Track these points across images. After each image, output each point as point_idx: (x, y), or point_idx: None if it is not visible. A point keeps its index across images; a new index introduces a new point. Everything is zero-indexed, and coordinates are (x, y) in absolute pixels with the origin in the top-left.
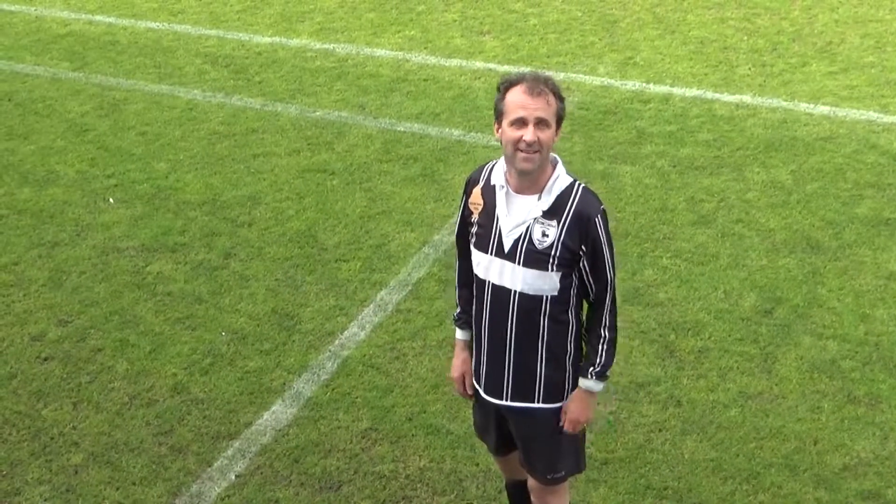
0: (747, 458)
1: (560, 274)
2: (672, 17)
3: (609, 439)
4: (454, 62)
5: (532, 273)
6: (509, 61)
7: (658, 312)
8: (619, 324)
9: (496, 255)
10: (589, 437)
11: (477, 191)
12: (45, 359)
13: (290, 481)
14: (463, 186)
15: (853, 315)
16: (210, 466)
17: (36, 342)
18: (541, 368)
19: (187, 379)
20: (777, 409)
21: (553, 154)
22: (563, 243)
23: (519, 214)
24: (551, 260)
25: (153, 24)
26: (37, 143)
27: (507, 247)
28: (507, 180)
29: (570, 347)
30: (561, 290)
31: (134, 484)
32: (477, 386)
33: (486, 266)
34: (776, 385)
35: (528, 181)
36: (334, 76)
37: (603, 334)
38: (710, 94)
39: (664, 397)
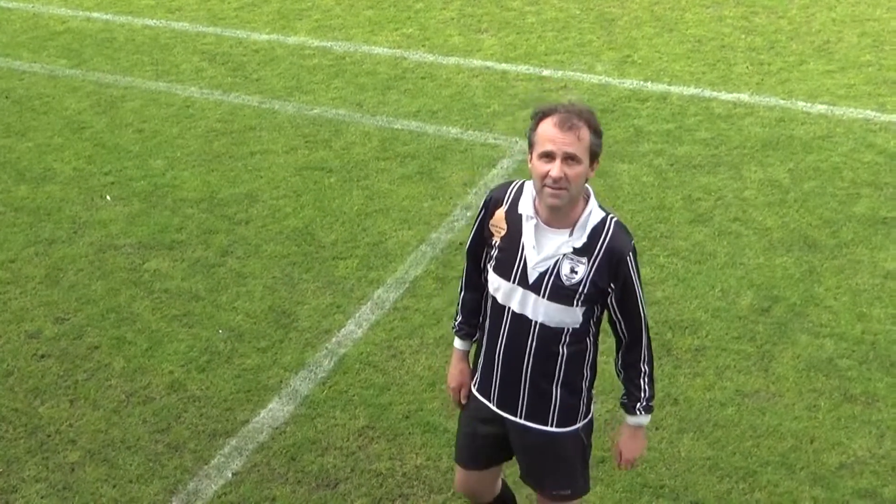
0: (744, 457)
1: (584, 308)
2: (670, 16)
3: (606, 437)
4: (452, 60)
5: (556, 307)
6: (507, 59)
7: (655, 311)
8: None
9: (519, 285)
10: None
11: (500, 213)
12: (42, 356)
13: (287, 479)
14: (483, 201)
15: (850, 314)
16: (207, 464)
17: (32, 339)
18: (556, 393)
19: (184, 376)
20: (774, 408)
21: (587, 185)
22: (591, 281)
23: (548, 249)
24: (577, 296)
25: (151, 22)
26: (34, 141)
27: (531, 279)
28: (536, 211)
29: (587, 372)
30: (583, 322)
31: (131, 481)
32: (482, 397)
33: (507, 293)
34: (773, 383)
35: (560, 215)
36: (332, 74)
37: (643, 369)
38: (707, 93)
39: (661, 395)
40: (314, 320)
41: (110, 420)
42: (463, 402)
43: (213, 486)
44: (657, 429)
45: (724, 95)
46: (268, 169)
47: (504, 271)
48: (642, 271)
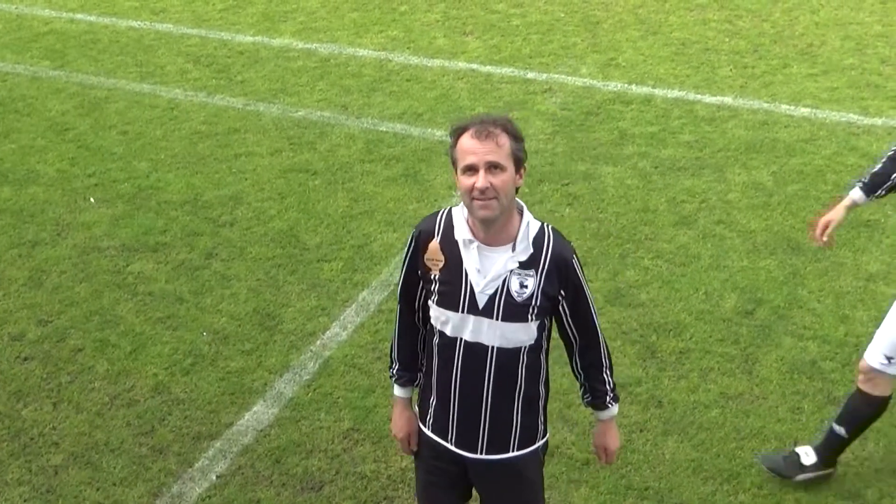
0: (728, 459)
1: (538, 322)
2: (654, 19)
3: (590, 440)
4: (437, 62)
5: (512, 326)
6: (492, 62)
7: (639, 313)
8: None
9: (469, 313)
10: (571, 439)
11: (435, 245)
12: (25, 359)
13: (272, 482)
14: (410, 238)
15: (833, 316)
16: (191, 467)
17: (16, 342)
18: (517, 418)
19: (168, 379)
20: (757, 410)
21: (518, 200)
22: (542, 292)
23: (494, 269)
24: (531, 310)
25: (135, 23)
26: (17, 142)
27: (481, 304)
28: (473, 233)
29: (542, 390)
30: (537, 338)
31: (114, 484)
32: (439, 438)
33: (458, 325)
34: (757, 386)
35: (497, 231)
36: (317, 76)
37: (605, 363)
38: (691, 96)
39: (645, 398)
40: (299, 323)
41: (94, 423)
42: (413, 448)
43: (197, 488)
44: (641, 431)
45: (707, 98)
46: (252, 171)
47: (450, 303)
48: (627, 274)
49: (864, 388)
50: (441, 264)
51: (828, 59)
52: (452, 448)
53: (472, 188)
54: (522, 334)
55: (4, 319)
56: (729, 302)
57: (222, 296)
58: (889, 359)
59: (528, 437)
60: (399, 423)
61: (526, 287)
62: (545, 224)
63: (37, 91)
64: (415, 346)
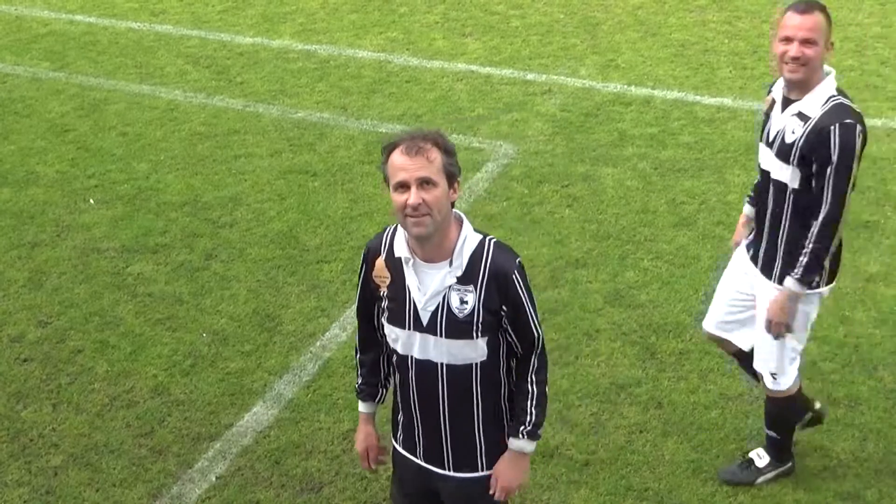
0: (728, 460)
1: (486, 339)
2: (653, 20)
3: (590, 441)
4: (436, 64)
5: (457, 344)
6: (491, 63)
7: (639, 314)
8: (549, 378)
9: (415, 330)
10: (571, 440)
11: (381, 263)
12: (25, 360)
13: (271, 483)
14: (362, 256)
15: (833, 317)
16: (190, 468)
17: (15, 343)
18: (480, 435)
19: (168, 380)
20: (757, 411)
21: (456, 211)
22: (483, 307)
23: (433, 286)
24: (475, 327)
25: (134, 25)
26: (17, 144)
27: (424, 321)
28: (411, 250)
29: (506, 405)
30: (490, 355)
31: (114, 485)
32: (408, 454)
33: (406, 342)
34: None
35: (433, 247)
36: (316, 77)
37: (531, 389)
38: (691, 97)
39: (645, 399)
40: (298, 324)
41: (93, 424)
42: (373, 465)
43: (196, 489)
44: (641, 431)
45: (707, 99)
46: (252, 172)
47: (397, 320)
48: (627, 275)
49: (769, 393)
50: (388, 281)
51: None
52: (422, 463)
53: (405, 205)
54: (469, 351)
55: (4, 321)
56: None
57: (222, 297)
58: (774, 375)
59: (496, 455)
60: (359, 437)
61: (466, 303)
62: (486, 237)
63: (36, 92)
64: (377, 362)
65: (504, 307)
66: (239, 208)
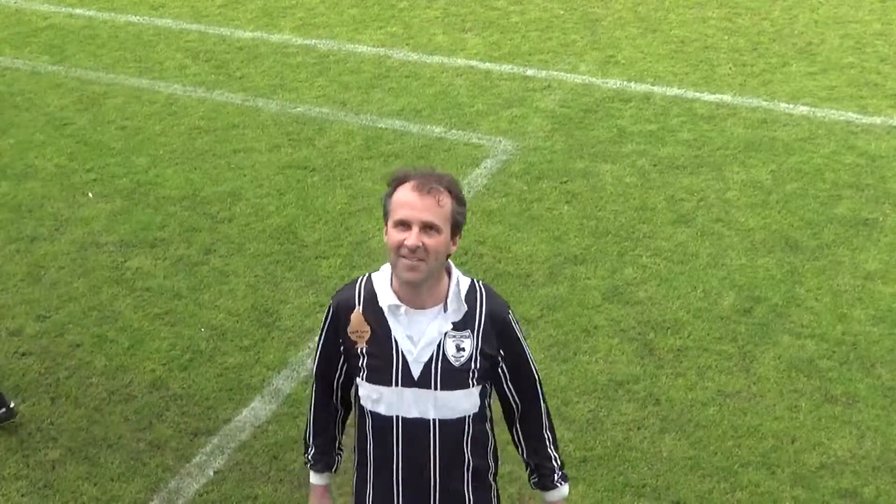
0: (725, 457)
1: (480, 388)
2: (653, 16)
3: (588, 437)
4: (436, 59)
5: (453, 395)
6: (491, 58)
7: (637, 311)
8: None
9: (405, 386)
10: (569, 436)
11: (357, 316)
12: (23, 354)
13: (269, 477)
14: (327, 312)
15: (831, 314)
16: (189, 462)
17: (14, 337)
18: (469, 496)
19: (166, 375)
20: (755, 408)
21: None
22: (481, 353)
23: (427, 334)
24: (471, 374)
25: (134, 18)
26: (15, 137)
27: (416, 374)
28: (399, 298)
29: (491, 463)
30: (480, 406)
31: (112, 480)
32: None
33: (392, 401)
34: (754, 384)
35: (425, 293)
36: (316, 72)
37: (547, 436)
38: (690, 94)
39: (643, 395)
40: (297, 319)
41: (92, 418)
42: None
43: (194, 484)
44: (639, 428)
45: (707, 96)
46: (251, 167)
47: (382, 378)
48: (625, 272)
49: None
50: (367, 335)
51: (827, 57)
52: None
53: (402, 244)
54: (465, 402)
55: (2, 314)
56: (727, 300)
57: (220, 292)
58: None
59: None
60: None
61: (463, 350)
62: (475, 280)
63: (36, 86)
64: (333, 429)
65: (501, 351)
66: (238, 203)
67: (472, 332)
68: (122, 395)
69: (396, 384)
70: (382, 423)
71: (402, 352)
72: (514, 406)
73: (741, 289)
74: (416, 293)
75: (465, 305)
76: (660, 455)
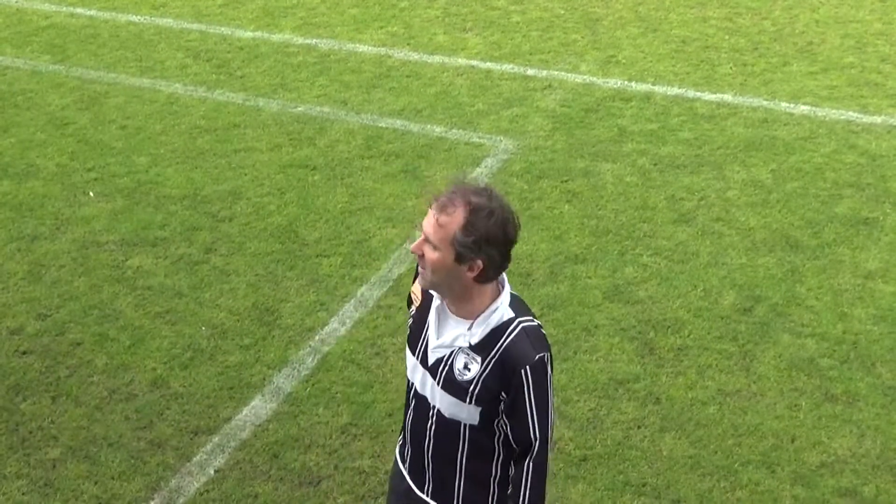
0: (725, 455)
1: (480, 409)
2: (654, 16)
3: (588, 436)
4: (437, 59)
5: (449, 399)
6: (492, 58)
7: (638, 310)
8: (549, 470)
9: (420, 363)
10: (569, 435)
11: (418, 284)
12: (24, 353)
13: (270, 476)
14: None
15: (831, 314)
16: (189, 461)
17: (14, 336)
18: (459, 485)
19: (167, 373)
20: (755, 407)
21: (504, 280)
22: (483, 382)
23: (446, 336)
24: (469, 395)
25: (135, 18)
26: (16, 136)
27: (430, 360)
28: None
29: (497, 470)
30: (482, 421)
31: (112, 478)
32: (400, 463)
33: (412, 368)
34: (754, 383)
35: (454, 302)
36: (316, 71)
37: (523, 493)
38: (691, 93)
39: (643, 394)
40: (297, 318)
41: (92, 417)
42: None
43: (195, 483)
44: (639, 427)
45: (707, 96)
46: (252, 166)
47: (412, 344)
48: (626, 271)
49: None
50: (418, 303)
51: (827, 56)
52: (405, 475)
53: None
54: (459, 411)
55: (3, 313)
56: (727, 299)
57: (221, 290)
58: None
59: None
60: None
61: (469, 370)
62: (519, 320)
63: (37, 85)
64: None
65: (504, 394)
66: (238, 202)
67: (483, 360)
68: (123, 393)
69: (417, 358)
70: (408, 382)
71: (428, 335)
72: (510, 442)
73: (741, 288)
74: (443, 296)
75: (488, 335)
76: (660, 454)
